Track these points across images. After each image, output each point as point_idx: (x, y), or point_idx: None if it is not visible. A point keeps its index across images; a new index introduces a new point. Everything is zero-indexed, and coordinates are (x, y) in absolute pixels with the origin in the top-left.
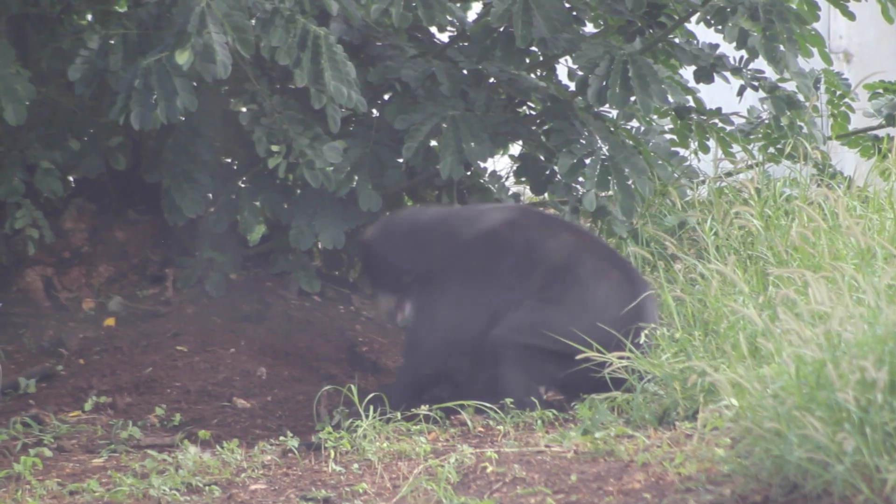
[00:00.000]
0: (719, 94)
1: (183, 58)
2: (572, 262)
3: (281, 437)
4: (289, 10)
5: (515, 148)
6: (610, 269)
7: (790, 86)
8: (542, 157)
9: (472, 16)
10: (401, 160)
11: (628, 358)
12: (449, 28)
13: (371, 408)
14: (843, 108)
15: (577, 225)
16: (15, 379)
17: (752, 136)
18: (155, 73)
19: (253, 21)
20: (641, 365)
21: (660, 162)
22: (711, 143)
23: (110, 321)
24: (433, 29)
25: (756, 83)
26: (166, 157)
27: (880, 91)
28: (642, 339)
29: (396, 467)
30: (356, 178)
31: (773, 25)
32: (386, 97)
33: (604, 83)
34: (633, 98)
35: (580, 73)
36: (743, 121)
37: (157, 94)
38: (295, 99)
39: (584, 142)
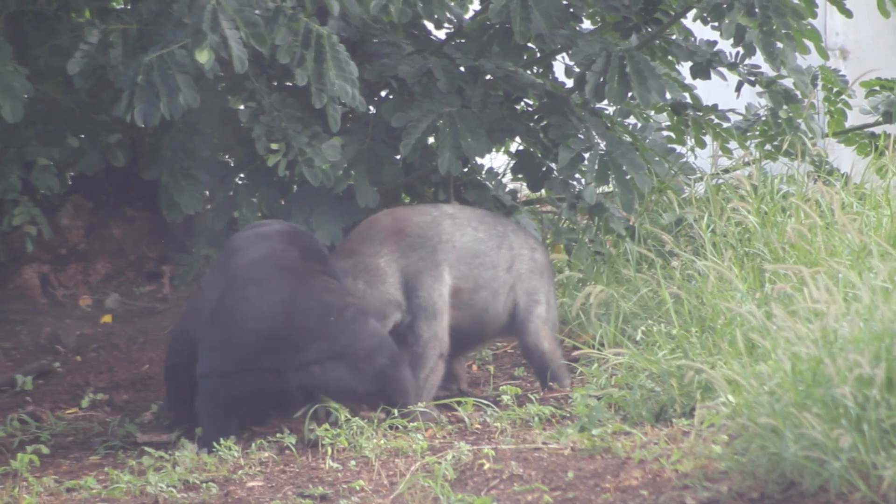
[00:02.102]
0: (716, 91)
1: (203, 56)
2: (235, 276)
3: (278, 434)
4: (291, 9)
5: (513, 145)
6: (267, 283)
7: (787, 82)
8: (539, 154)
9: (468, 14)
10: (398, 157)
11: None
12: (446, 25)
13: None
14: (839, 105)
15: (290, 239)
16: (12, 376)
17: (749, 133)
18: (157, 69)
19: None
20: (638, 361)
21: (657, 158)
22: (708, 139)
23: (107, 318)
24: (430, 26)
25: (753, 78)
26: (164, 153)
27: (877, 88)
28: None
29: (393, 464)
30: (353, 174)
31: (769, 21)
32: (383, 94)
33: (601, 79)
34: (630, 94)
35: (577, 69)
36: (740, 118)
37: (159, 90)
38: (293, 97)
39: (581, 136)
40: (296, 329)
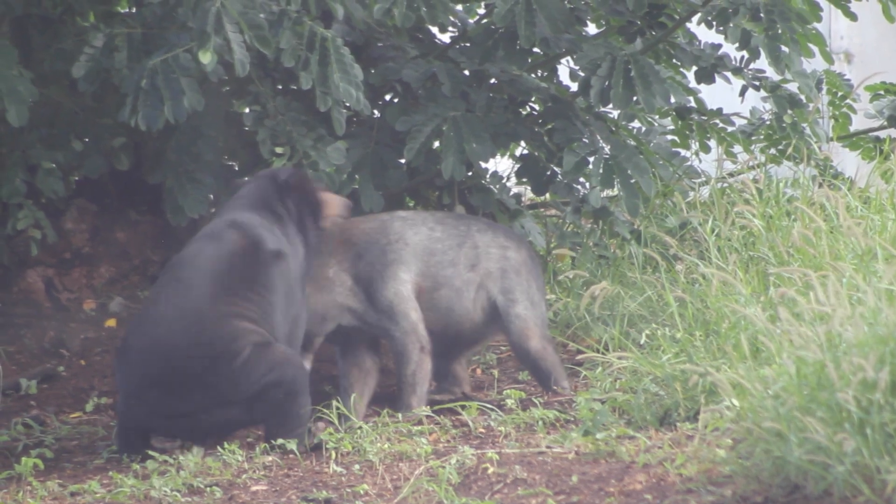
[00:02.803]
0: (720, 95)
1: (206, 58)
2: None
3: (281, 439)
4: (295, 13)
5: (517, 148)
6: (158, 317)
7: (792, 86)
8: (543, 158)
9: (473, 19)
10: (402, 161)
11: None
12: (450, 29)
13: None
14: (844, 110)
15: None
16: (16, 380)
17: (753, 137)
18: (161, 72)
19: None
20: (642, 365)
21: (661, 162)
22: (713, 143)
23: (111, 322)
24: (434, 30)
25: (757, 83)
26: (169, 157)
27: (881, 92)
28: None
29: (397, 468)
30: (358, 178)
31: (774, 25)
32: (387, 98)
33: (606, 83)
34: (635, 98)
35: (582, 73)
36: (745, 122)
37: (164, 94)
38: (298, 100)
39: (586, 140)
40: (178, 376)
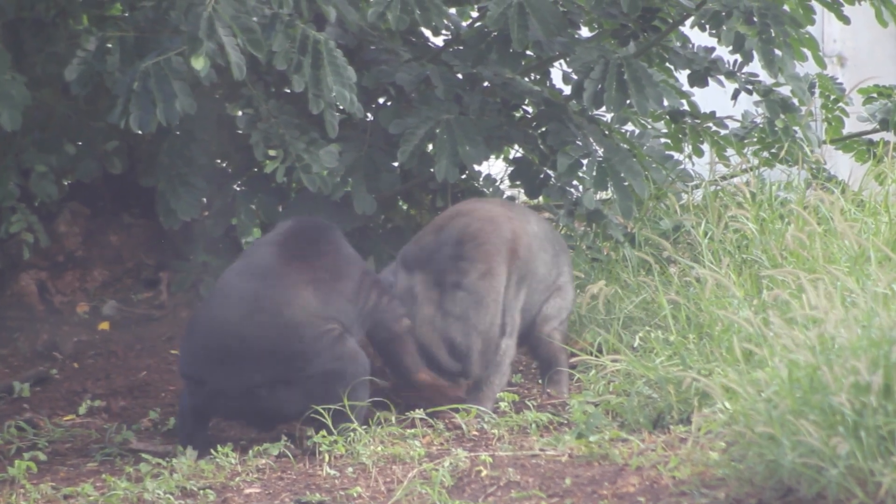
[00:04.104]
0: (713, 98)
1: (199, 63)
2: (217, 285)
3: (275, 441)
4: (288, 15)
5: (511, 151)
6: (229, 296)
7: (785, 90)
8: (536, 161)
9: (466, 22)
10: (396, 164)
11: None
12: (444, 32)
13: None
14: (837, 113)
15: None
16: (9, 383)
17: (746, 141)
18: (153, 75)
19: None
20: (636, 368)
21: (654, 165)
22: (706, 146)
23: (105, 325)
24: (428, 33)
25: (750, 87)
26: (161, 160)
27: (874, 95)
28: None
29: (391, 471)
30: (351, 181)
31: (767, 29)
32: (381, 101)
33: (599, 86)
34: (628, 101)
35: (575, 76)
36: (738, 125)
37: (155, 97)
38: (290, 104)
39: (580, 143)
40: (245, 348)
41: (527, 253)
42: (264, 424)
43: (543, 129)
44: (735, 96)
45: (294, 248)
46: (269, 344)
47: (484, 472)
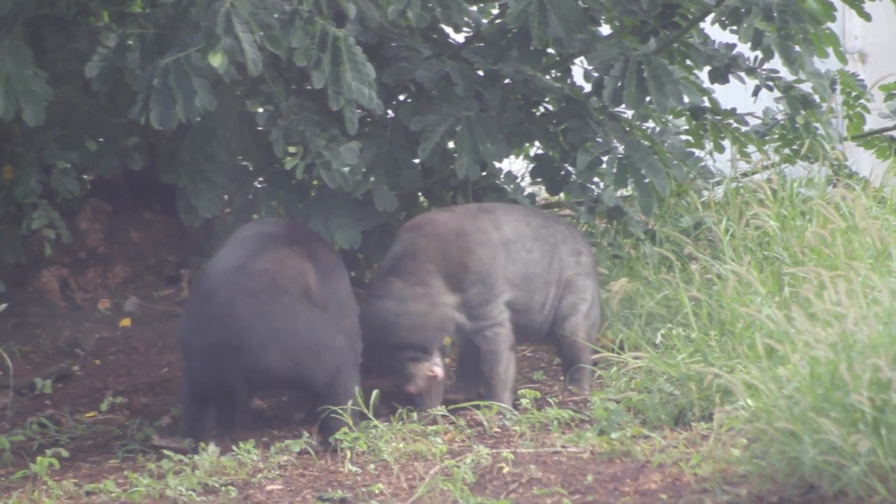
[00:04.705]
0: (734, 95)
1: (216, 60)
2: (206, 278)
3: (298, 438)
4: (307, 12)
5: (532, 148)
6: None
7: (806, 86)
8: (557, 158)
9: (486, 19)
10: (416, 161)
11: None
12: (465, 29)
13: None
14: (858, 109)
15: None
16: (31, 379)
17: (767, 137)
18: (173, 72)
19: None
20: (657, 365)
21: (675, 162)
22: (727, 143)
23: (126, 321)
24: (448, 30)
25: (771, 83)
26: (182, 157)
27: (895, 92)
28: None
29: (412, 468)
30: (372, 178)
31: (787, 25)
32: (401, 98)
33: (619, 84)
34: (648, 98)
35: (595, 73)
36: (758, 122)
37: (175, 94)
38: (311, 100)
39: (600, 140)
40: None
41: (488, 261)
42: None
43: (564, 126)
44: (756, 93)
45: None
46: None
47: (506, 469)
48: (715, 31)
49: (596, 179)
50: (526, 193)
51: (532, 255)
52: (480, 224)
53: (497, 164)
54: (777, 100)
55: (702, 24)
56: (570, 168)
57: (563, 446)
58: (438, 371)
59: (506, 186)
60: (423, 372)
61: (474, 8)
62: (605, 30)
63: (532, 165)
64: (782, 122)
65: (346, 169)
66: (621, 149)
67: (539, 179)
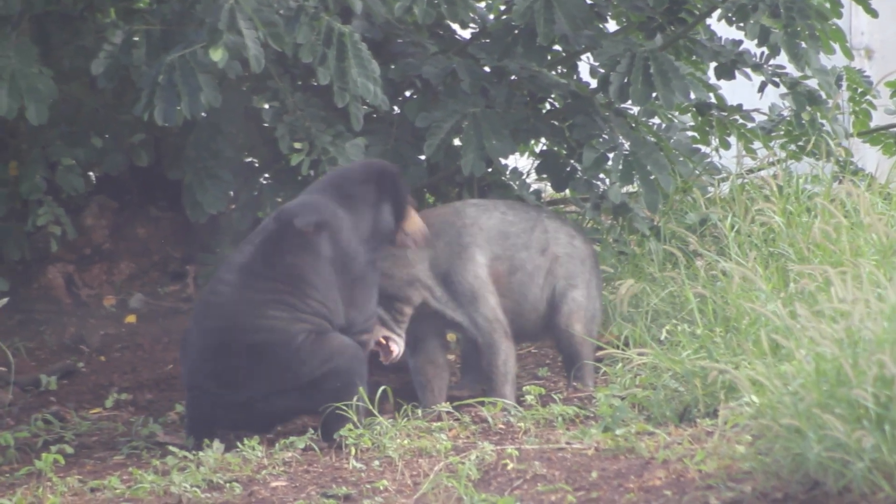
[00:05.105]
0: (740, 91)
1: (217, 55)
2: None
3: (301, 435)
4: (313, 8)
5: (537, 145)
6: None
7: (812, 83)
8: (563, 154)
9: (492, 15)
10: (422, 157)
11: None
12: (471, 25)
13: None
14: (864, 106)
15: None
16: (36, 376)
17: (773, 133)
18: (179, 69)
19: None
20: (662, 361)
21: (681, 158)
22: (733, 139)
23: (131, 318)
24: (455, 26)
25: (777, 79)
26: (188, 153)
27: None
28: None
29: (417, 464)
30: None
31: (794, 22)
32: (407, 94)
33: (625, 80)
34: (654, 94)
35: (601, 70)
36: (764, 118)
37: (180, 90)
38: (317, 97)
39: (606, 137)
40: (234, 365)
41: (452, 214)
42: (268, 429)
43: (570, 122)
44: (762, 89)
45: (266, 251)
46: (249, 361)
47: (510, 466)
48: (721, 28)
49: (602, 176)
50: (531, 190)
51: (507, 217)
52: (457, 203)
53: (503, 161)
54: (783, 96)
55: (708, 21)
56: (575, 164)
57: (567, 443)
58: (394, 347)
59: (511, 183)
60: (376, 335)
61: (480, 4)
62: (612, 26)
63: (538, 162)
64: (788, 118)
65: None
66: (627, 145)
67: (545, 176)
